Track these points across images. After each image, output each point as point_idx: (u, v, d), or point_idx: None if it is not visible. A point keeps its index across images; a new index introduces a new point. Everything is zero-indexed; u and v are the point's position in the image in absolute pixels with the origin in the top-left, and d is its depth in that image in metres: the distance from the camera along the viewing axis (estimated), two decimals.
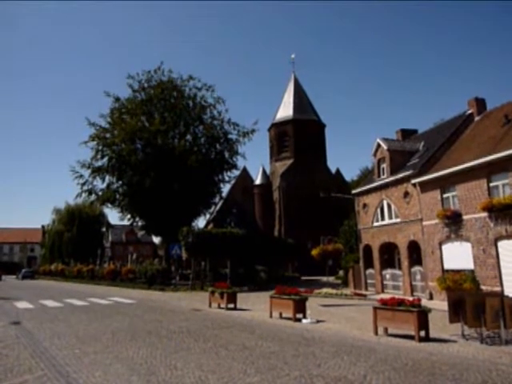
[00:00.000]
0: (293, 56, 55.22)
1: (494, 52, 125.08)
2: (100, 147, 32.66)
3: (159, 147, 32.56)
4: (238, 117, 71.52)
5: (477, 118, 20.97)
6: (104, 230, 64.16)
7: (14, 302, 18.71)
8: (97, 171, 32.98)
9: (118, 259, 50.41)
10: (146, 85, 34.27)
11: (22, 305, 17.27)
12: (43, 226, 74.50)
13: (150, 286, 27.21)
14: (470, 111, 21.46)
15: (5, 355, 7.75)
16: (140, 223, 36.74)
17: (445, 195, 18.30)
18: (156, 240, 65.82)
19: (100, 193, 33.68)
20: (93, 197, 34.27)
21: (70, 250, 54.77)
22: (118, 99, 33.94)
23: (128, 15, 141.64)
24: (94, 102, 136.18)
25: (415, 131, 26.65)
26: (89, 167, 32.79)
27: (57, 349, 8.32)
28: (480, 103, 21.30)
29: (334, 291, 22.47)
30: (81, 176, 33.01)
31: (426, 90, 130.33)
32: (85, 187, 33.28)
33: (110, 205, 34.32)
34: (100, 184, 34.29)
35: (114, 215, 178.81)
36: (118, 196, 33.72)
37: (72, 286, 33.16)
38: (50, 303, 17.87)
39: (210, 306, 16.02)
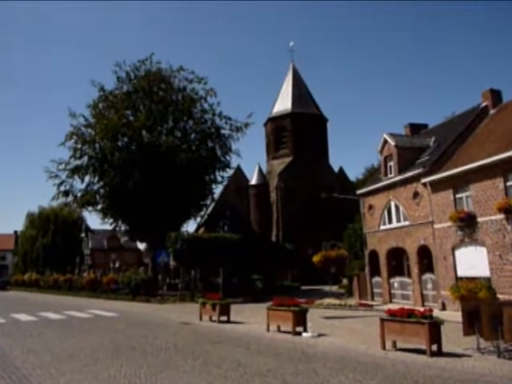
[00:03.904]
0: (291, 44, 55.57)
1: (509, 42, 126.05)
2: (79, 145, 32.57)
3: (145, 144, 32.46)
4: (232, 111, 71.74)
5: (492, 111, 21.08)
6: (83, 235, 63.79)
7: None
8: (75, 171, 32.86)
9: (99, 268, 50.21)
10: (132, 75, 34.27)
11: None
12: (16, 232, 74.05)
13: (134, 298, 27.13)
14: (484, 104, 21.56)
15: None
16: (123, 228, 36.65)
17: (458, 195, 18.36)
18: (141, 246, 65.47)
19: (79, 194, 33.59)
20: (70, 199, 34.20)
21: (46, 258, 54.44)
22: (102, 88, 33.85)
23: (118, 5, 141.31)
24: (74, 96, 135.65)
25: (425, 126, 26.74)
26: (66, 167, 32.65)
27: (30, 368, 8.24)
28: (495, 95, 21.39)
29: (337, 302, 22.47)
30: (56, 176, 32.88)
31: (437, 82, 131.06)
32: (61, 188, 33.21)
33: (89, 208, 34.27)
34: (79, 185, 34.22)
35: (94, 219, 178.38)
36: (98, 198, 33.64)
37: (47, 297, 32.95)
38: (22, 317, 17.73)
39: (200, 318, 15.98)
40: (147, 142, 32.49)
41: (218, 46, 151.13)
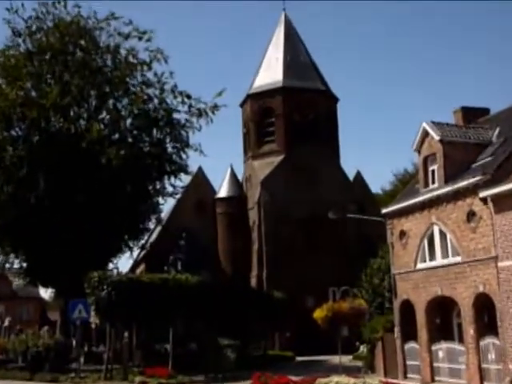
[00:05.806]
0: None
1: None
2: None
3: (54, 134, 32.29)
4: (192, 86, 71.28)
5: None
6: None
7: None
8: None
9: None
10: (35, 27, 33.99)
11: None
12: None
13: (33, 374, 26.78)
14: None
15: None
16: (17, 265, 36.49)
17: None
18: (45, 294, 64.77)
19: None
20: None
21: None
22: None
23: None
24: None
25: (486, 111, 27.08)
26: None
27: None
28: None
29: (351, 380, 22.40)
30: None
31: (504, 49, 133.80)
32: None
33: None
34: None
35: None
36: None
37: None
38: None
39: None
40: (58, 131, 32.20)
41: None
